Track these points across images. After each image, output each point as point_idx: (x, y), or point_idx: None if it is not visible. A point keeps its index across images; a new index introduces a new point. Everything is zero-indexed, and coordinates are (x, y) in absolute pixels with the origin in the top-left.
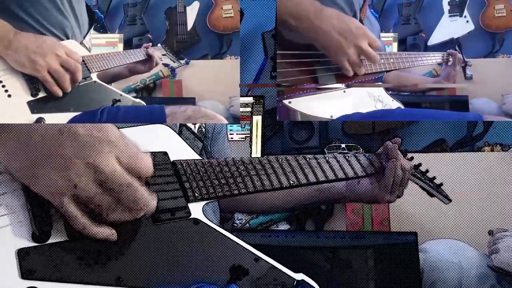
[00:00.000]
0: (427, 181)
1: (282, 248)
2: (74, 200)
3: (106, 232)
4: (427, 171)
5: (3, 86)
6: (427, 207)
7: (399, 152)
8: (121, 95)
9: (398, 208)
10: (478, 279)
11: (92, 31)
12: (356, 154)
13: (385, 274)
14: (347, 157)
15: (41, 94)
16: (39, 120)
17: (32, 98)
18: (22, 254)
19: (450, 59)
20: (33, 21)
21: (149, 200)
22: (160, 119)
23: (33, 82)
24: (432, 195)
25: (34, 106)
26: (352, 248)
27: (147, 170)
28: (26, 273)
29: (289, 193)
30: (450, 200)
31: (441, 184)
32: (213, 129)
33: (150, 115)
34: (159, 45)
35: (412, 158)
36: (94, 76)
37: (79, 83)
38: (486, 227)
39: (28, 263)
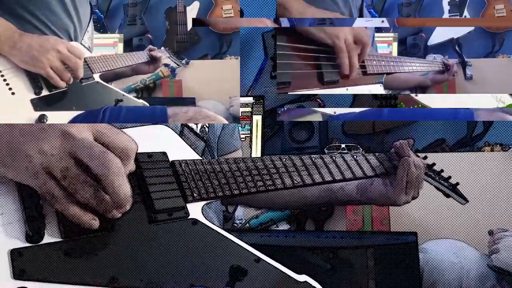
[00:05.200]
0: (442, 181)
1: (282, 248)
2: (52, 178)
3: (87, 217)
4: (441, 170)
5: (7, 84)
6: (427, 207)
7: (410, 150)
8: (123, 95)
9: (398, 208)
10: (478, 279)
11: (92, 30)
12: (365, 154)
13: (385, 274)
14: (355, 156)
15: (44, 93)
16: (42, 117)
17: (35, 96)
18: (14, 254)
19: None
20: (38, 22)
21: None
22: (162, 120)
23: (36, 81)
24: (448, 196)
25: (37, 104)
26: (352, 248)
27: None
28: (18, 274)
29: (298, 191)
30: (467, 201)
31: (457, 183)
32: (222, 126)
33: (152, 116)
34: (162, 48)
35: (425, 157)
36: (96, 77)
37: (82, 82)
38: (486, 227)
39: (20, 264)
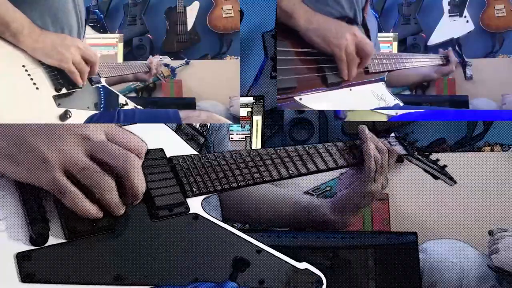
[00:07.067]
0: (430, 163)
1: (282, 248)
2: (66, 175)
3: (94, 210)
4: (430, 153)
5: (32, 79)
6: (427, 207)
7: (370, 134)
8: (125, 100)
9: (398, 208)
10: (478, 279)
11: (91, 30)
12: (336, 143)
13: (385, 274)
14: (327, 146)
15: (64, 90)
16: (66, 112)
17: (56, 93)
18: (20, 258)
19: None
20: (50, 21)
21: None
22: (175, 122)
23: (57, 78)
24: (436, 178)
25: (58, 101)
26: (352, 248)
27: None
28: (25, 277)
29: (277, 210)
30: (455, 182)
31: (445, 166)
32: (219, 126)
33: (166, 118)
34: (158, 59)
35: (415, 142)
36: (103, 81)
37: (92, 84)
38: (486, 227)
39: (27, 267)
